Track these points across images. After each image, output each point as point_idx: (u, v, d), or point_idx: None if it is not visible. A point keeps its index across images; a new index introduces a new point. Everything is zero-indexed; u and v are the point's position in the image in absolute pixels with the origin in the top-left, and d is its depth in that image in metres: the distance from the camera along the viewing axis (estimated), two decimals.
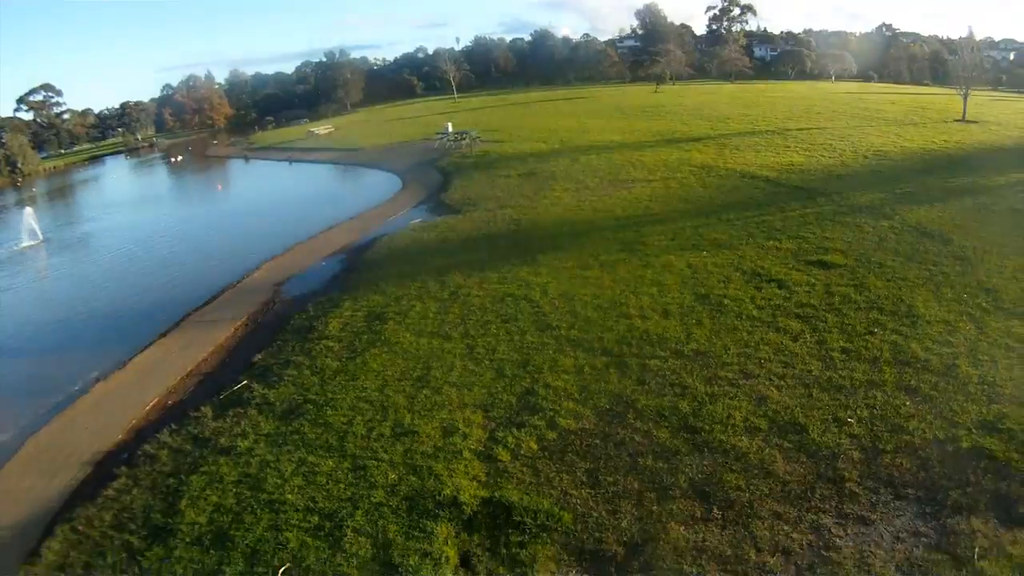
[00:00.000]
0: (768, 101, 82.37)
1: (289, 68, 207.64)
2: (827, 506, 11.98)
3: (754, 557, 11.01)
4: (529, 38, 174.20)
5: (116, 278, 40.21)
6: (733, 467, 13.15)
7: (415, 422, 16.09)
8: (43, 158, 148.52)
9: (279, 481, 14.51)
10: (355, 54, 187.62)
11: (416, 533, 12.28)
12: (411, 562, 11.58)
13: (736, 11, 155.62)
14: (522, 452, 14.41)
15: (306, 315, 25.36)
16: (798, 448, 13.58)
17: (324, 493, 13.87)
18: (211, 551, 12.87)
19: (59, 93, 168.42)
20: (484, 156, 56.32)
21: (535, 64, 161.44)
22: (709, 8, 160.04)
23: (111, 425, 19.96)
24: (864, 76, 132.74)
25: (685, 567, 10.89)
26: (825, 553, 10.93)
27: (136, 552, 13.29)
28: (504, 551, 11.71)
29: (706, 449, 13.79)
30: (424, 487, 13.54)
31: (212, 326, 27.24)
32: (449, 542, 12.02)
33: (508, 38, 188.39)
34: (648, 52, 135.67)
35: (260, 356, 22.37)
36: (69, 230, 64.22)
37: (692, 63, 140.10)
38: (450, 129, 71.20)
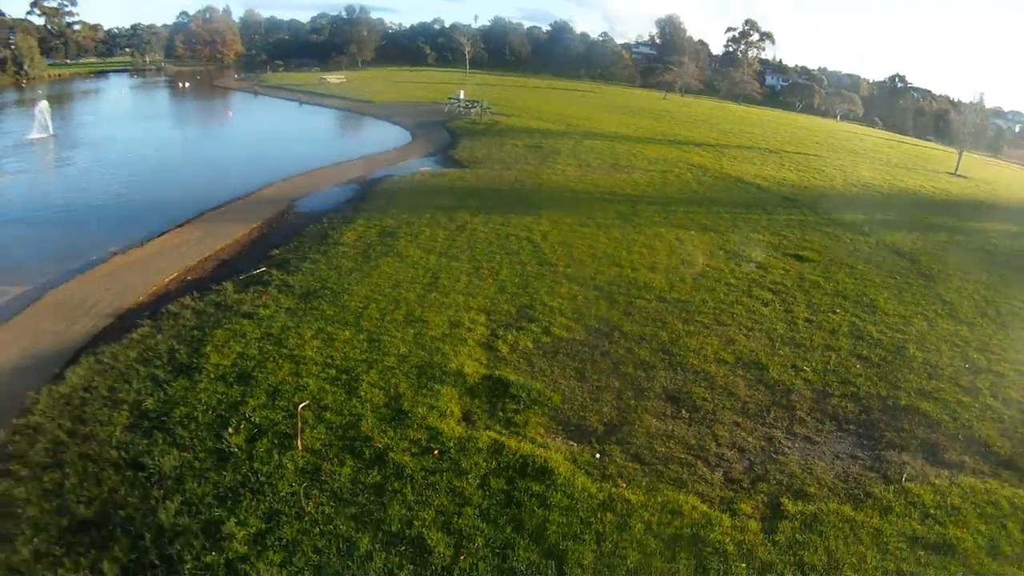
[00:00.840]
0: (771, 125, 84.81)
1: (303, 17, 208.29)
2: (779, 425, 13.87)
3: (714, 448, 12.86)
4: (548, 28, 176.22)
5: (127, 176, 41.07)
6: (701, 384, 15.07)
7: (425, 314, 17.80)
8: (49, 64, 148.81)
9: (299, 341, 16.07)
10: (372, 14, 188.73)
11: (424, 391, 13.99)
12: (419, 411, 13.25)
13: (755, 36, 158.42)
14: (519, 348, 16.21)
15: (321, 226, 26.88)
16: (758, 380, 15.53)
17: (341, 354, 15.48)
18: (235, 386, 14.24)
19: (73, 3, 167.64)
20: (493, 125, 57.90)
21: (549, 54, 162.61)
22: (729, 29, 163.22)
23: (131, 288, 21.21)
24: (869, 121, 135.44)
25: (655, 446, 12.71)
26: (774, 456, 12.78)
27: (161, 382, 14.54)
28: (501, 414, 13.46)
29: (679, 368, 15.73)
30: (432, 360, 15.27)
31: (228, 224, 28.54)
32: (453, 401, 13.74)
33: (526, 24, 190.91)
34: (662, 60, 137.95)
35: (277, 251, 23.77)
36: (78, 130, 64.65)
37: (703, 79, 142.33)
38: (461, 96, 72.59)
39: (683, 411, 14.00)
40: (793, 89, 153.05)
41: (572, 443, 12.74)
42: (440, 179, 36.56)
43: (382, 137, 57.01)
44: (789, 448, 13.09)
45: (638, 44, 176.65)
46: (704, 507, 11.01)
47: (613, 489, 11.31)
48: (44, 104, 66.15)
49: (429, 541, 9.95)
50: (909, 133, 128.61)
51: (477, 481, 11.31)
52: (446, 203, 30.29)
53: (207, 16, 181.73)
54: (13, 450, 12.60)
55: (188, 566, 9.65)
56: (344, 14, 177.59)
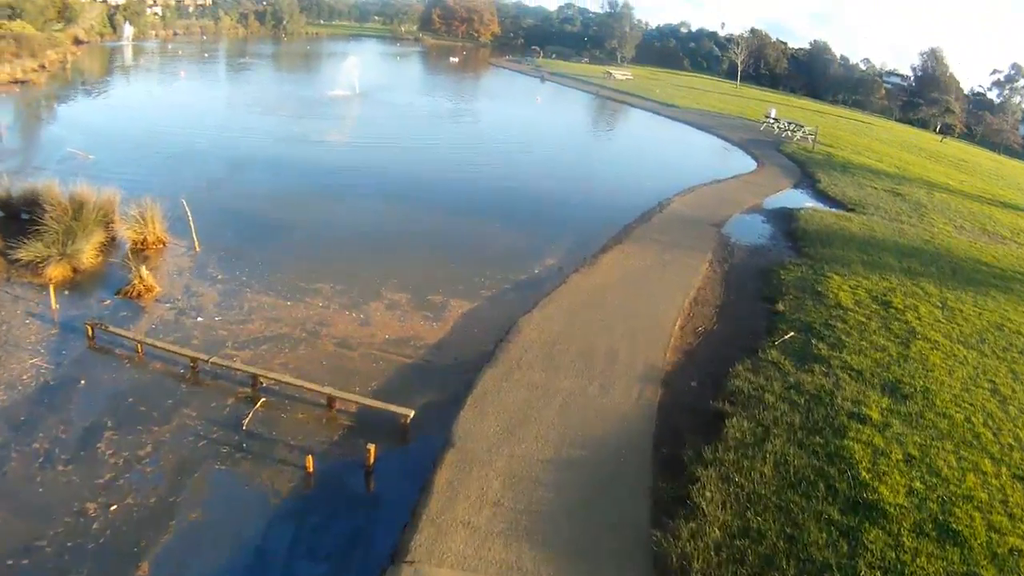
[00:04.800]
0: None
1: (550, 5, 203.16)
2: None
3: None
4: (808, 47, 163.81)
5: (477, 159, 40.63)
6: None
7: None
8: (306, 23, 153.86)
9: (955, 474, 13.48)
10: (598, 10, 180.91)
11: None
12: None
13: (1021, 82, 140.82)
14: None
15: (790, 272, 23.85)
16: None
17: None
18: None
19: None
20: (829, 157, 52.17)
21: (805, 73, 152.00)
22: (995, 71, 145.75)
23: (649, 338, 18.07)
24: None
25: None
26: None
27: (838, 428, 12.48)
28: None
29: None
30: None
31: (675, 249, 25.81)
32: None
33: (773, 38, 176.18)
34: (923, 96, 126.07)
35: (781, 306, 20.73)
36: (378, 93, 63.25)
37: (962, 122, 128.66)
38: (773, 114, 66.98)
39: None
40: None
41: None
42: (849, 223, 31.96)
43: (721, 152, 52.73)
44: None
45: (888, 73, 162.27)
46: None
47: None
48: (353, 60, 65.57)
49: None
50: None
51: None
52: (891, 263, 26.41)
53: None
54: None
55: None
56: (609, 8, 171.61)
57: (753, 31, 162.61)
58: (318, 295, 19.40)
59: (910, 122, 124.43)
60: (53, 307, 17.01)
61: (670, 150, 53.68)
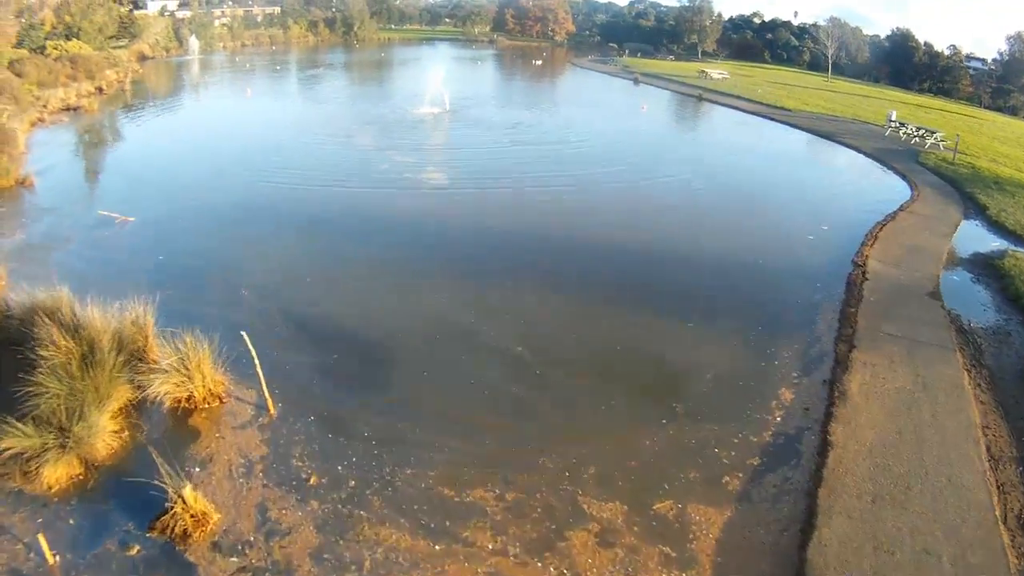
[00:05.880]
0: None
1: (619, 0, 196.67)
2: None
3: None
4: (888, 33, 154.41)
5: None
6: None
7: None
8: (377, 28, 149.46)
9: None
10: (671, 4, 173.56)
11: None
12: None
13: None
14: None
15: None
16: None
17: None
18: None
19: None
20: (975, 171, 46.73)
21: (889, 61, 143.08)
22: None
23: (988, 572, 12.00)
24: None
25: None
26: None
27: None
28: None
29: None
30: None
31: (919, 351, 20.02)
32: None
33: (852, 25, 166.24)
34: (1018, 84, 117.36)
35: None
36: (468, 110, 57.55)
37: None
38: (894, 116, 61.42)
39: None
40: None
41: None
42: None
43: (866, 171, 47.06)
44: None
45: (968, 58, 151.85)
46: None
47: None
48: (437, 71, 61.53)
49: None
50: None
51: None
52: None
53: None
54: None
55: None
56: (687, 2, 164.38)
57: (832, 19, 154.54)
58: (481, 520, 11.64)
59: (999, 109, 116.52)
60: (49, 562, 10.37)
61: (811, 170, 47.75)
